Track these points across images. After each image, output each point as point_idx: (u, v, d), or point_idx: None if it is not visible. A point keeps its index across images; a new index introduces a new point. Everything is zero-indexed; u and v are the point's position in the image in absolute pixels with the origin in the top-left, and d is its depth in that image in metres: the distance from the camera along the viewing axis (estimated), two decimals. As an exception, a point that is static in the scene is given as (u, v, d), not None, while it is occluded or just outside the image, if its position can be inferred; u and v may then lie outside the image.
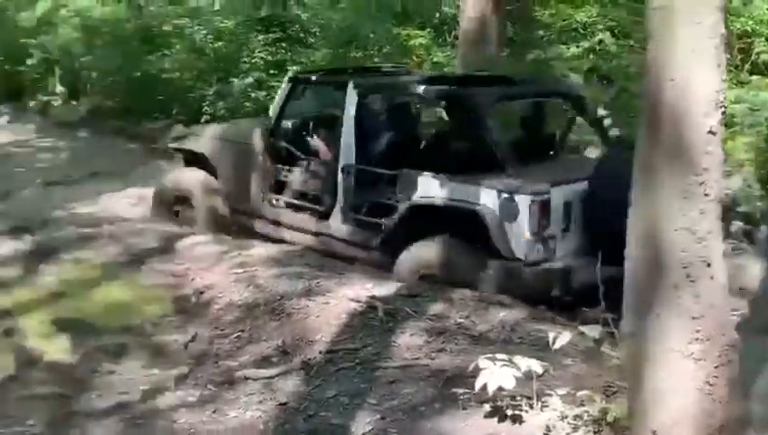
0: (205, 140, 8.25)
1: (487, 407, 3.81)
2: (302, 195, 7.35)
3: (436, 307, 5.12)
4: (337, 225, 6.96)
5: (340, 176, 6.91)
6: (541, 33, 10.71)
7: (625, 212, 3.74)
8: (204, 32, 14.10)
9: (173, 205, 8.16)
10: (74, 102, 15.47)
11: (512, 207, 5.87)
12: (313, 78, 7.82)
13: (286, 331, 4.91)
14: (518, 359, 3.81)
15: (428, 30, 11.38)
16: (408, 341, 4.60)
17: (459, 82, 7.58)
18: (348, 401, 4.00)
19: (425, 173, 6.31)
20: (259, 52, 12.84)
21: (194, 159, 8.22)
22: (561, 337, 3.94)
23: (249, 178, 7.66)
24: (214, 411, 4.08)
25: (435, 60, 10.65)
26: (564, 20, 10.37)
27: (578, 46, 9.82)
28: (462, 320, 4.93)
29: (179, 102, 13.52)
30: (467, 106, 6.73)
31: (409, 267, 6.22)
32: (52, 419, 3.99)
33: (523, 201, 5.85)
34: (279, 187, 7.51)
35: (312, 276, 5.79)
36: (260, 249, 6.72)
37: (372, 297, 5.23)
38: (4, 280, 6.07)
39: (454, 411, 3.84)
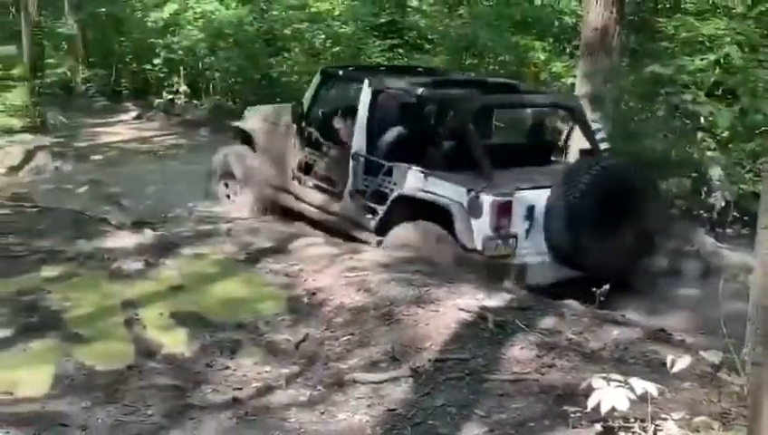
0: (253, 119, 9.32)
1: (598, 427, 3.71)
2: (321, 176, 8.27)
3: (548, 321, 5.03)
4: (346, 205, 7.83)
5: (351, 162, 7.74)
6: (664, 44, 10.40)
7: (581, 219, 5.41)
8: (323, 36, 14.35)
9: (222, 179, 9.29)
10: (197, 101, 15.95)
11: (477, 205, 6.65)
12: (340, 73, 8.70)
13: (395, 336, 4.91)
14: (633, 380, 3.71)
15: (548, 40, 11.23)
16: (518, 354, 4.53)
17: (462, 86, 8.21)
18: (456, 411, 3.96)
19: (414, 167, 7.15)
20: (376, 57, 12.95)
21: (243, 137, 9.27)
22: (680, 361, 3.81)
23: (282, 156, 8.68)
24: (323, 413, 4.10)
25: (553, 70, 10.49)
26: (689, 31, 10.04)
27: (702, 59, 9.48)
28: (574, 336, 4.83)
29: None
30: (453, 110, 7.61)
31: (392, 246, 7.06)
32: (169, 410, 4.07)
33: (486, 201, 6.60)
34: (305, 167, 8.44)
35: (421, 284, 5.78)
36: (371, 254, 6.76)
37: (482, 308, 5.18)
38: (127, 272, 6.29)
39: (564, 429, 3.75)
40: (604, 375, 3.72)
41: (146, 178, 11.10)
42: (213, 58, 16.03)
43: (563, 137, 8.12)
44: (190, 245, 7.12)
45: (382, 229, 7.35)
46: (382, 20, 13.93)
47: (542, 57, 10.56)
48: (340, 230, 7.83)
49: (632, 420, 3.72)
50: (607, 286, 5.79)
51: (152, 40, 16.52)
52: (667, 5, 12.07)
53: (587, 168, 6.90)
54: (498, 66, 11.41)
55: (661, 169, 8.38)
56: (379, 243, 7.22)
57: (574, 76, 9.48)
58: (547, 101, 8.47)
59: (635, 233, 7.04)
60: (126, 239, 7.16)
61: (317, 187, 8.30)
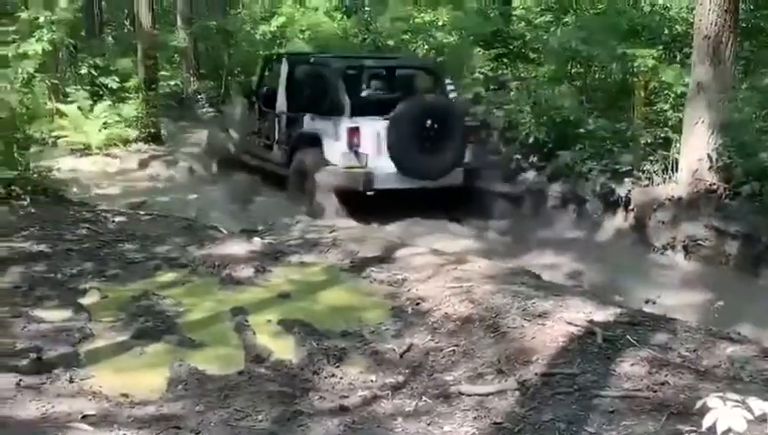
0: (229, 106, 12.96)
1: (714, 448, 3.59)
2: (264, 135, 11.54)
3: (659, 337, 4.88)
4: (275, 153, 11.20)
5: (276, 119, 11.16)
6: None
7: (406, 143, 9.55)
8: (426, 47, 14.38)
9: (210, 159, 12.70)
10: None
11: (338, 132, 9.91)
12: (274, 56, 12.24)
13: (501, 349, 4.85)
14: (751, 400, 3.56)
15: (657, 48, 10.94)
16: (629, 370, 4.41)
17: (341, 58, 11.68)
18: (564, 426, 3.88)
19: (308, 114, 10.60)
20: (480, 67, 12.89)
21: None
22: (800, 381, 3.64)
23: (242, 127, 12.14)
24: (429, 424, 4.05)
25: (663, 78, 10.22)
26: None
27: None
28: (687, 353, 4.66)
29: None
30: (328, 74, 10.69)
31: (292, 169, 10.62)
32: (278, 416, 4.10)
33: (342, 127, 9.85)
34: (254, 131, 11.79)
35: (527, 296, 5.70)
36: (476, 265, 6.72)
37: (591, 322, 5.07)
38: (237, 279, 6.42)
39: (677, 449, 3.64)
40: (720, 394, 3.59)
41: (253, 187, 11.36)
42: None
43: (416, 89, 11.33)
44: (297, 253, 7.23)
45: (289, 160, 10.68)
46: (487, 30, 13.85)
47: (650, 65, 10.30)
48: (274, 172, 11.20)
49: (750, 441, 3.57)
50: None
51: (260, 51, 16.86)
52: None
53: (408, 104, 9.99)
54: (605, 76, 11.20)
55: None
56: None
57: (686, 85, 9.20)
58: (408, 63, 12.54)
59: (446, 150, 9.97)
60: (236, 247, 7.32)
61: (262, 144, 11.58)
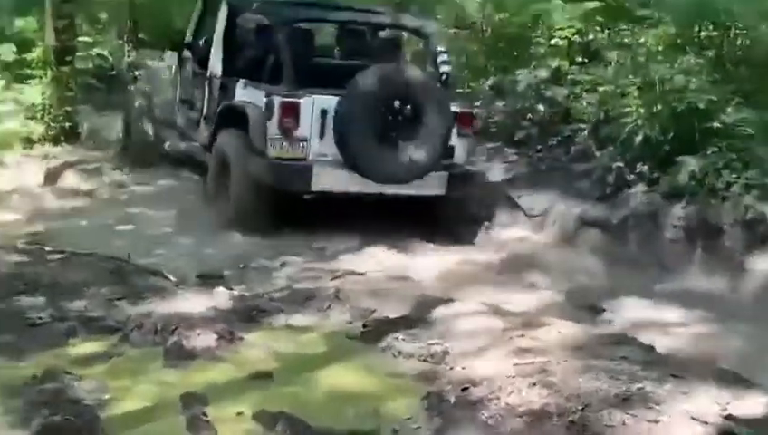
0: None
1: None
2: (192, 106, 12.27)
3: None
4: (200, 132, 11.94)
5: (207, 84, 11.86)
6: None
7: (354, 124, 9.84)
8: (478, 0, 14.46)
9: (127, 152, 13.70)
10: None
11: (270, 108, 10.14)
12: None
13: (592, 459, 4.86)
14: None
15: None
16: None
17: (297, 5, 11.93)
18: None
19: (241, 81, 11.06)
20: (561, 29, 12.93)
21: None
22: None
23: (168, 95, 13.19)
24: None
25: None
26: None
27: None
28: None
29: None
30: (272, 26, 11.27)
31: (212, 157, 11.19)
32: None
33: (276, 102, 10.13)
34: (183, 99, 12.59)
35: (632, 376, 5.71)
36: (555, 330, 6.73)
37: (728, 417, 5.07)
38: (191, 351, 6.44)
39: None
40: None
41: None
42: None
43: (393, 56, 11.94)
44: (282, 311, 7.26)
45: (212, 141, 11.26)
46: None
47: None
48: (200, 161, 11.94)
49: None
50: None
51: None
52: None
53: (367, 75, 10.33)
54: (752, 42, 11.14)
55: None
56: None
57: None
58: (399, 24, 12.52)
59: (423, 142, 10.31)
60: (190, 301, 7.37)
61: (190, 119, 12.30)
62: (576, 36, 12.89)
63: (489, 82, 13.06)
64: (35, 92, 14.18)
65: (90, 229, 10.50)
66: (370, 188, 10.27)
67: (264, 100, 10.21)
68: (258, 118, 10.24)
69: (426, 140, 10.26)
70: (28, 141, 13.64)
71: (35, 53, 14.93)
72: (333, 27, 12.67)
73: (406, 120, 10.20)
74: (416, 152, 10.23)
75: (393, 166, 10.20)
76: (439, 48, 11.47)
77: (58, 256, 8.71)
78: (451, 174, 10.61)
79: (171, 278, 8.09)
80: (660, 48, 11.65)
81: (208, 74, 11.81)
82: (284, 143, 10.09)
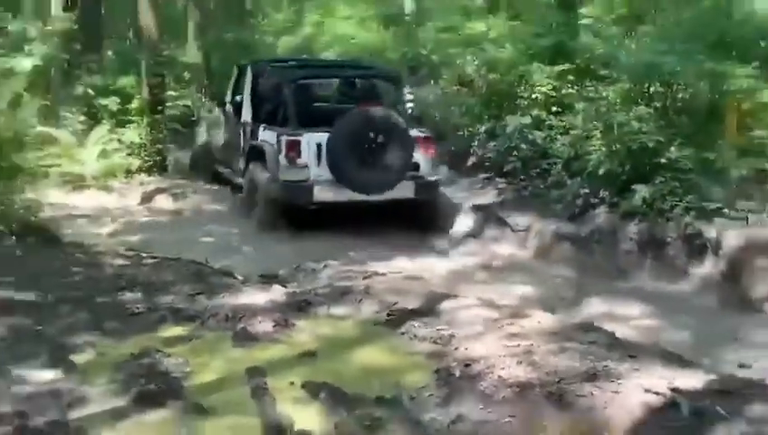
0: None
1: None
2: (233, 145, 13.01)
3: (757, 409, 4.79)
4: (239, 163, 12.70)
5: (242, 129, 12.67)
6: None
7: (341, 153, 10.91)
8: (476, 62, 14.41)
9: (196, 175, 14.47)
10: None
11: (280, 144, 11.21)
12: (244, 66, 13.52)
13: (567, 423, 4.80)
14: None
15: (753, 64, 10.87)
16: (722, 451, 4.35)
17: (300, 67, 13.46)
18: None
19: (262, 125, 12.09)
20: (540, 86, 12.89)
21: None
22: None
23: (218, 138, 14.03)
24: None
25: (761, 100, 10.16)
26: None
27: None
28: (791, 429, 4.59)
29: (445, 142, 13.90)
30: (281, 83, 12.28)
31: (245, 181, 12.15)
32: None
33: (283, 140, 11.20)
34: (227, 142, 13.40)
35: (598, 356, 5.65)
36: (536, 319, 6.68)
37: (674, 390, 5.00)
38: (254, 334, 6.43)
39: None
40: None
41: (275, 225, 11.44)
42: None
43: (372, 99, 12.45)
44: (324, 304, 7.23)
45: (245, 170, 12.15)
46: (548, 42, 13.84)
47: (745, 84, 10.23)
48: (240, 185, 12.55)
49: None
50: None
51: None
52: None
53: (348, 116, 11.34)
54: (691, 96, 11.10)
55: None
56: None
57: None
58: (371, 72, 13.80)
59: (391, 162, 11.19)
60: (253, 296, 7.36)
61: (233, 155, 13.00)
62: (552, 91, 12.85)
63: (484, 127, 13.03)
64: (134, 134, 14.24)
65: (176, 240, 10.52)
66: (357, 197, 11.21)
67: (276, 139, 11.33)
68: (272, 152, 11.32)
69: (392, 161, 11.20)
70: (128, 172, 13.71)
71: (134, 104, 14.99)
72: (327, 80, 13.51)
73: (378, 148, 11.15)
74: (385, 170, 11.21)
75: (371, 181, 11.16)
76: (405, 90, 12.81)
77: (151, 260, 8.74)
78: (417, 183, 11.45)
79: (239, 278, 8.09)
80: (618, 100, 11.59)
81: (242, 121, 12.71)
82: (291, 169, 11.11)
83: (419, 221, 11.76)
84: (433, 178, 11.81)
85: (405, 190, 11.37)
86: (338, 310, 7.10)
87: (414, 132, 11.75)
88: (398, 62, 16.56)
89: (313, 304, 7.21)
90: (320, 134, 11.18)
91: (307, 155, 11.14)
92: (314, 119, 11.71)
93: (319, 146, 11.13)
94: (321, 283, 8.31)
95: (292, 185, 11.15)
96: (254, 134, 12.20)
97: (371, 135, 11.14)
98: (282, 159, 11.14)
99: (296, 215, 11.32)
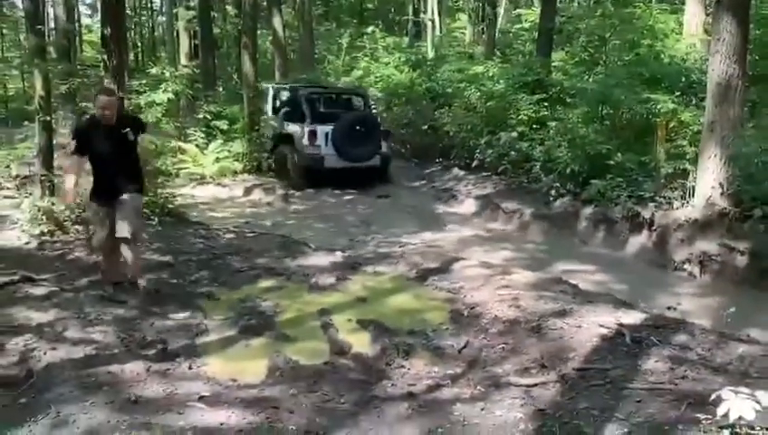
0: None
1: (726, 433, 3.47)
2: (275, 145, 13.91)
3: (679, 338, 4.77)
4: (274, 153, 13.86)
5: (273, 130, 14.03)
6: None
7: (343, 140, 12.64)
8: (478, 94, 14.31)
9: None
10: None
11: (304, 133, 12.68)
12: (269, 87, 15.26)
13: (544, 347, 4.79)
14: (759, 393, 3.44)
15: (676, 94, 10.73)
16: (653, 366, 4.31)
17: (307, 87, 14.50)
18: (598, 413, 3.81)
19: (288, 122, 13.40)
20: (524, 110, 12.79)
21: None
22: (803, 378, 3.52)
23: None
24: (483, 409, 4.02)
25: (681, 119, 10.03)
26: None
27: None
28: (703, 352, 4.55)
29: (456, 150, 13.84)
30: (297, 97, 13.62)
31: (275, 157, 13.64)
32: (358, 399, 4.13)
33: (306, 130, 12.67)
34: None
35: (565, 302, 5.64)
36: (521, 275, 6.67)
37: (620, 325, 4.98)
38: (322, 285, 6.49)
39: (695, 433, 3.54)
40: (732, 388, 3.48)
41: (334, 210, 11.46)
42: (389, 112, 16.40)
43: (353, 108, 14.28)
44: (371, 264, 7.27)
45: (273, 151, 13.70)
46: (530, 79, 13.76)
47: (670, 107, 10.11)
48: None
49: (758, 428, 3.45)
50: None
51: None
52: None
53: (345, 116, 12.99)
54: (631, 117, 11.01)
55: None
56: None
57: (700, 124, 8.99)
58: (349, 91, 15.77)
59: (367, 144, 12.70)
60: (321, 259, 7.40)
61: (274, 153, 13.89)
62: (532, 114, 12.73)
63: (484, 140, 12.93)
64: (238, 146, 14.28)
65: (268, 220, 10.58)
66: (350, 165, 12.72)
67: (300, 129, 12.82)
68: (299, 137, 12.80)
69: (370, 142, 12.77)
70: (234, 173, 13.75)
71: (238, 125, 15.05)
72: (323, 95, 14.57)
73: (362, 134, 12.69)
74: (366, 148, 12.74)
75: (359, 154, 12.70)
76: (371, 102, 14.58)
77: (251, 234, 8.79)
78: (381, 156, 13.06)
79: (312, 247, 8.12)
80: (580, 120, 11.48)
81: (274, 124, 14.09)
82: (311, 147, 12.62)
83: (381, 178, 13.27)
84: (389, 154, 13.37)
85: (376, 161, 12.96)
86: (381, 268, 7.13)
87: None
88: (422, 94, 16.42)
89: (363, 264, 7.25)
90: (327, 127, 12.63)
91: (321, 139, 12.57)
92: (321, 117, 13.06)
93: (326, 134, 12.58)
94: (368, 250, 8.34)
95: (312, 156, 12.62)
96: (281, 127, 13.57)
97: (358, 127, 12.69)
98: (305, 140, 12.61)
99: (314, 177, 12.75)
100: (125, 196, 5.83)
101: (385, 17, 31.14)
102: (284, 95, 14.42)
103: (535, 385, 4.25)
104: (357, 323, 5.50)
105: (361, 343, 5.08)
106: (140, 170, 6.16)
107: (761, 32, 11.46)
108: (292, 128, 13.11)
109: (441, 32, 25.42)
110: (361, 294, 6.24)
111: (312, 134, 12.59)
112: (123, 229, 5.75)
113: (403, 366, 4.69)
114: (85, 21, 37.23)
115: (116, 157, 5.79)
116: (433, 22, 24.17)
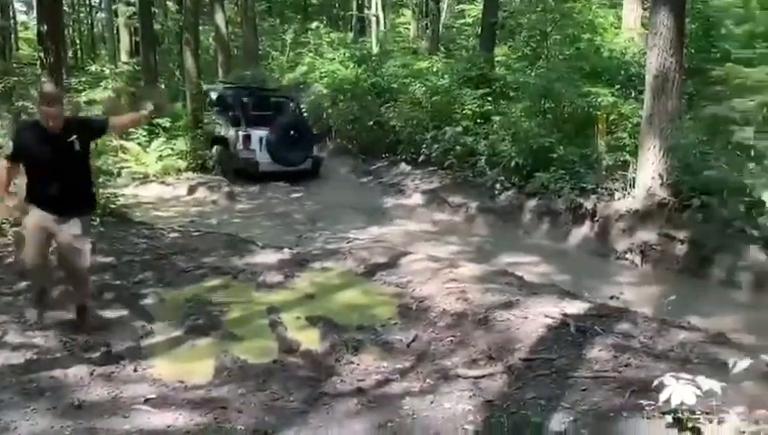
0: None
1: (669, 419, 3.56)
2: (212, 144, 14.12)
3: (622, 326, 4.87)
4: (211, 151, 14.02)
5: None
6: (718, 88, 10.02)
7: (278, 145, 13.05)
8: (423, 89, 14.37)
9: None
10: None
11: (238, 137, 13.13)
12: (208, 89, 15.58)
13: (491, 339, 4.84)
14: (699, 378, 3.54)
15: (615, 87, 10.96)
16: (597, 355, 4.40)
17: (242, 89, 15.04)
18: (544, 403, 3.86)
19: (222, 125, 13.89)
20: (468, 105, 12.89)
21: None
22: (740, 362, 3.62)
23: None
24: (432, 402, 4.04)
25: (621, 111, 10.25)
26: (740, 78, 9.67)
27: (752, 100, 9.11)
28: (645, 339, 4.65)
29: (403, 145, 13.88)
30: (231, 99, 14.16)
31: (214, 158, 13.72)
32: (307, 397, 4.10)
33: (240, 134, 13.11)
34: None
35: (511, 293, 5.70)
36: (467, 268, 6.71)
37: (565, 315, 5.06)
38: (270, 283, 6.42)
39: (638, 420, 3.62)
40: (674, 374, 3.57)
41: (281, 207, 11.37)
42: (333, 109, 16.33)
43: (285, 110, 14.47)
44: (319, 261, 7.22)
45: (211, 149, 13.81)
46: (473, 73, 13.87)
47: (610, 101, 10.32)
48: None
49: (698, 412, 3.55)
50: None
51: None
52: (718, 55, 11.58)
53: (279, 122, 13.33)
54: (573, 110, 11.20)
55: (718, 195, 8.05)
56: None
57: (640, 117, 9.20)
58: (281, 94, 15.91)
59: (300, 148, 13.18)
60: (269, 256, 7.32)
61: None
62: (477, 108, 12.84)
63: (430, 134, 12.99)
64: (182, 143, 14.04)
65: (214, 219, 10.43)
66: (284, 168, 13.11)
67: (235, 133, 13.32)
68: (234, 141, 13.31)
69: (303, 147, 13.29)
70: (178, 171, 13.52)
71: (181, 122, 14.80)
72: (257, 98, 14.56)
73: (295, 139, 13.15)
74: (299, 152, 13.24)
75: (292, 159, 13.16)
76: (300, 104, 15.25)
77: (196, 233, 8.66)
78: (312, 160, 13.58)
79: (259, 244, 8.04)
80: (523, 113, 11.62)
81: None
82: (246, 151, 13.07)
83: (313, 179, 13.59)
84: (321, 157, 13.99)
85: (308, 164, 13.44)
86: (329, 264, 7.09)
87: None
88: (368, 90, 16.42)
89: (311, 261, 7.20)
90: (261, 131, 13.09)
91: (255, 143, 13.04)
92: (255, 121, 13.37)
93: (260, 138, 13.04)
94: (316, 246, 8.29)
95: (246, 160, 13.02)
96: (216, 129, 14.00)
97: (292, 133, 13.12)
98: (240, 145, 13.11)
99: (251, 178, 12.98)
100: (75, 220, 4.96)
101: (329, 13, 30.97)
102: (220, 96, 14.79)
103: (483, 377, 4.28)
104: (305, 321, 5.46)
105: (310, 340, 5.05)
106: (92, 185, 5.38)
107: (696, 25, 11.76)
108: (227, 131, 13.65)
109: (385, 27, 25.44)
110: (309, 291, 6.19)
111: (247, 139, 13.06)
112: (80, 259, 5.02)
113: (352, 362, 4.68)
114: (21, 18, 36.04)
115: (62, 170, 4.88)
116: (377, 17, 24.16)
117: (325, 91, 17.56)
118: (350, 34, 25.88)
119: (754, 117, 8.75)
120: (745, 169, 8.13)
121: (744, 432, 3.42)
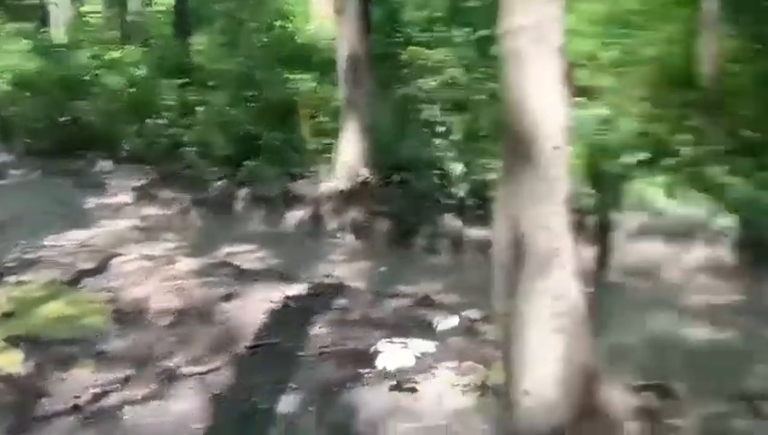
0: None
1: (389, 382, 3.79)
2: None
3: (339, 302, 5.08)
4: None
5: None
6: (406, 70, 10.85)
7: None
8: (119, 80, 13.61)
9: None
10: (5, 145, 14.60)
11: None
12: None
13: (215, 331, 4.76)
14: (412, 340, 3.83)
15: (314, 72, 11.32)
16: (319, 332, 4.54)
17: None
18: (272, 387, 3.91)
19: None
20: (168, 96, 12.45)
21: None
22: (445, 321, 3.98)
23: None
24: (158, 407, 3.87)
25: (321, 96, 10.63)
26: (422, 59, 10.60)
27: (434, 81, 10.05)
28: (361, 311, 4.90)
29: (102, 141, 13.00)
30: None
31: None
32: (13, 424, 3.71)
33: None
34: None
35: (230, 284, 5.67)
36: (184, 263, 6.53)
37: (286, 298, 5.15)
38: (-44, 305, 5.65)
39: (362, 388, 3.80)
40: (388, 340, 3.82)
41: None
42: (18, 106, 14.81)
43: None
44: (14, 274, 6.51)
45: None
46: (170, 63, 13.42)
47: (310, 86, 10.66)
48: None
49: (415, 372, 3.83)
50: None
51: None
52: (402, 40, 12.47)
53: None
54: (276, 96, 11.34)
55: (415, 171, 8.71)
56: None
57: (339, 100, 9.62)
58: None
59: None
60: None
61: None
62: (177, 98, 12.43)
63: (131, 128, 12.29)
64: None
65: None
66: None
67: None
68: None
69: None
70: None
71: None
72: None
73: None
74: None
75: None
76: None
77: None
78: None
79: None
80: (227, 102, 11.50)
81: None
82: None
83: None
84: None
85: None
86: (27, 276, 6.43)
87: None
88: (58, 84, 15.08)
89: (5, 275, 6.47)
90: None
91: None
92: None
93: None
94: (10, 258, 7.47)
95: None
96: None
97: None
98: None
99: None
100: None
101: (9, 2, 27.88)
102: None
103: (209, 372, 4.21)
104: (5, 342, 4.89)
105: (12, 361, 4.54)
106: None
107: (382, 12, 12.51)
108: None
109: (73, 16, 23.56)
110: (7, 309, 5.54)
111: None
112: None
113: (64, 379, 4.32)
114: None
115: None
116: (56, 4, 22.24)
117: (8, 89, 15.81)
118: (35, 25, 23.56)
119: (438, 95, 9.64)
120: (434, 145, 8.91)
121: (456, 385, 3.76)
